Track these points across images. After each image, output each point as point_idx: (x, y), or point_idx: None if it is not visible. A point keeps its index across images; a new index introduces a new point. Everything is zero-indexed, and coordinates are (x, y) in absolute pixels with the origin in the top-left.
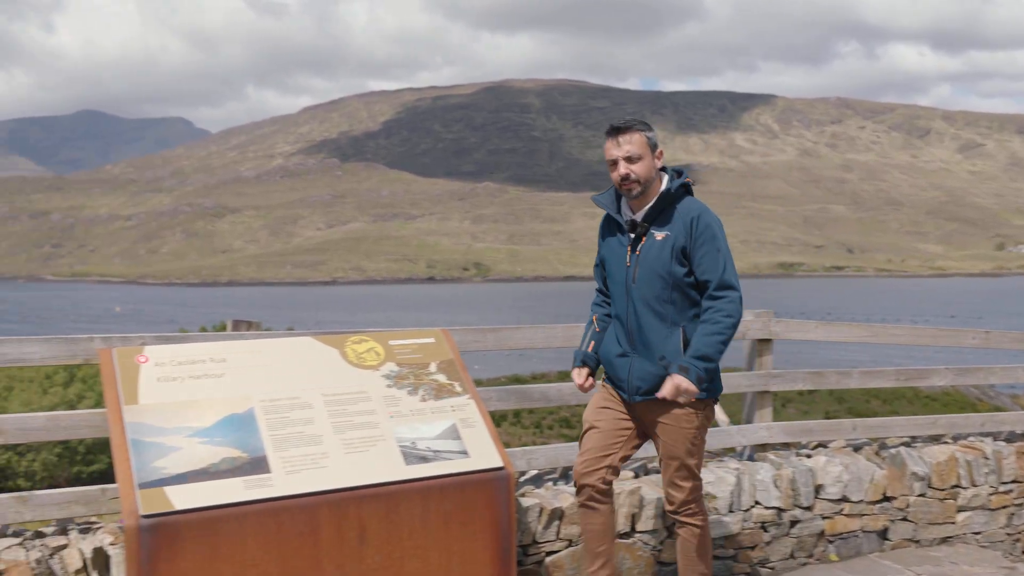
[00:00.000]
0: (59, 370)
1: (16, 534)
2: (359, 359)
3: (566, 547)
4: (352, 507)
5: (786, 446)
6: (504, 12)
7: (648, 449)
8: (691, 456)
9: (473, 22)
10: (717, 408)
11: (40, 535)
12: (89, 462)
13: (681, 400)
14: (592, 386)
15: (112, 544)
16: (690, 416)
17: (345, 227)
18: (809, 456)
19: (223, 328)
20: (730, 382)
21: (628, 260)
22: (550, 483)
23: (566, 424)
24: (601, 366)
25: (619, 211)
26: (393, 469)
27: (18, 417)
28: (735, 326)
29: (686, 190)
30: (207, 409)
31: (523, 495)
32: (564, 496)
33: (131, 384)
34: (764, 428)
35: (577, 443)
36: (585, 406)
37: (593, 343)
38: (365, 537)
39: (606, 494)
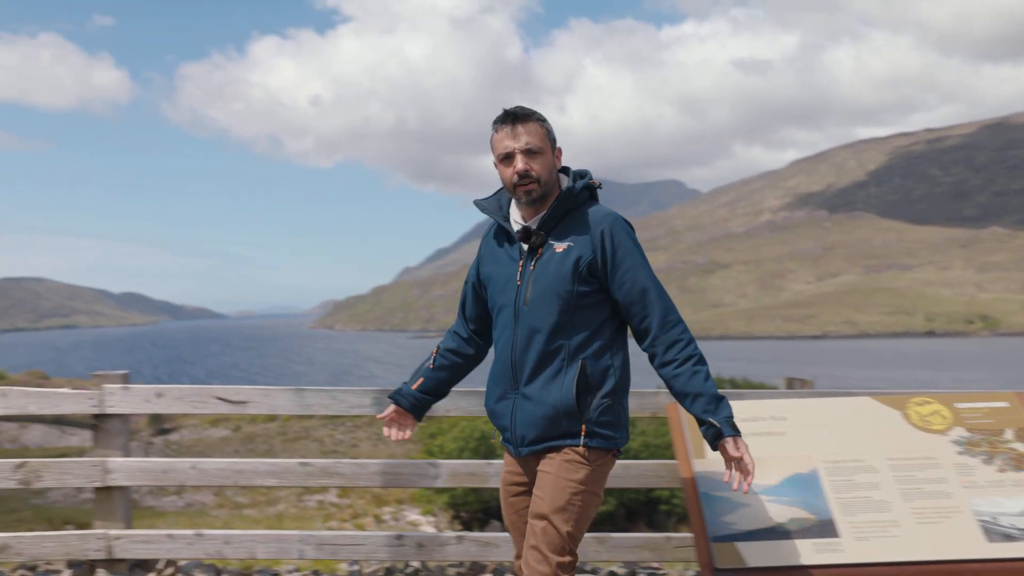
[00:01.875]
0: None
1: (593, 571)
2: (924, 422)
3: None
4: None
5: None
6: (1009, 40)
7: None
8: (564, 518)
9: (973, 55)
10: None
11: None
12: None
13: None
14: (394, 424)
15: None
16: (576, 467)
17: (835, 279)
18: None
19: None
20: None
21: (519, 277)
22: None
23: None
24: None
25: (507, 218)
26: (974, 546)
27: None
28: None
29: (591, 194)
30: (772, 467)
31: None
32: None
33: (698, 438)
34: None
35: None
36: None
37: (421, 380)
38: None
39: None
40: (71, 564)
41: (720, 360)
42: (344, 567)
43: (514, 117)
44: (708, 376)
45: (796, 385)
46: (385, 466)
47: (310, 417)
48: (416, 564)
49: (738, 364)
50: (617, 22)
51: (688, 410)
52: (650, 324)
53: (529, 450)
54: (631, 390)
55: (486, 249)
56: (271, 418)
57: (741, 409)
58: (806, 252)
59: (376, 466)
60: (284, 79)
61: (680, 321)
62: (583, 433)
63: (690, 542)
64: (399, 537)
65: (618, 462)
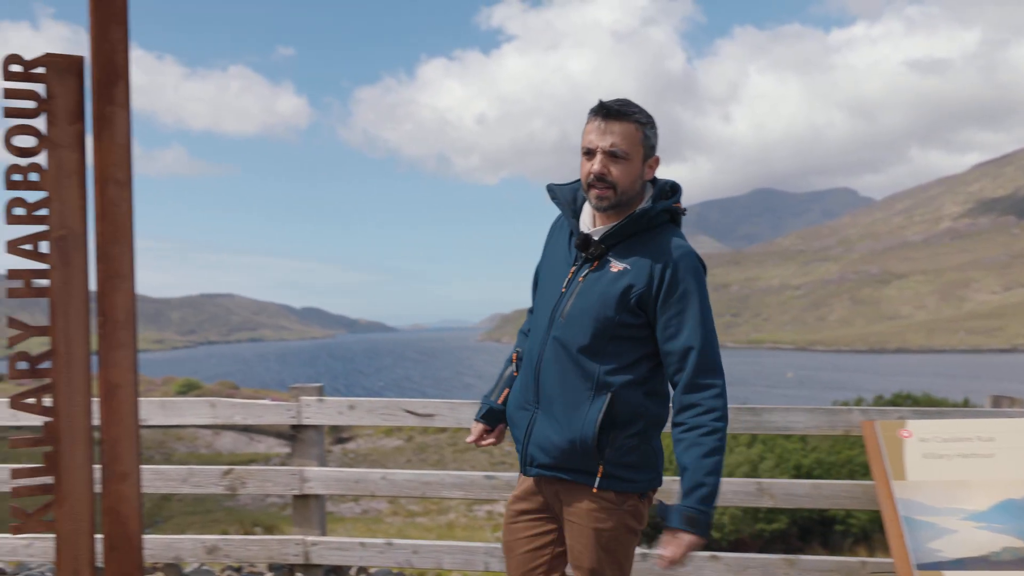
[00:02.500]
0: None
1: None
2: None
3: None
4: None
5: None
6: None
7: None
8: (608, 571)
9: None
10: None
11: None
12: (770, 520)
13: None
14: (495, 441)
15: None
16: (604, 514)
17: None
18: None
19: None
20: None
21: (565, 284)
22: None
23: None
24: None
25: (577, 215)
26: None
27: (786, 483)
28: (725, 436)
29: (671, 217)
30: (980, 492)
31: None
32: None
33: (897, 459)
34: None
35: None
36: None
37: (507, 392)
38: None
39: None
40: (272, 567)
41: (898, 375)
42: None
43: (607, 112)
44: (709, 454)
45: (1003, 403)
46: None
47: None
48: None
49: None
50: (783, 28)
51: (680, 462)
52: (679, 380)
53: (537, 472)
54: (827, 406)
55: (550, 243)
56: (441, 429)
57: (944, 429)
58: (991, 261)
59: None
60: (451, 99)
61: (712, 386)
62: (599, 474)
63: (889, 568)
64: None
65: (807, 481)
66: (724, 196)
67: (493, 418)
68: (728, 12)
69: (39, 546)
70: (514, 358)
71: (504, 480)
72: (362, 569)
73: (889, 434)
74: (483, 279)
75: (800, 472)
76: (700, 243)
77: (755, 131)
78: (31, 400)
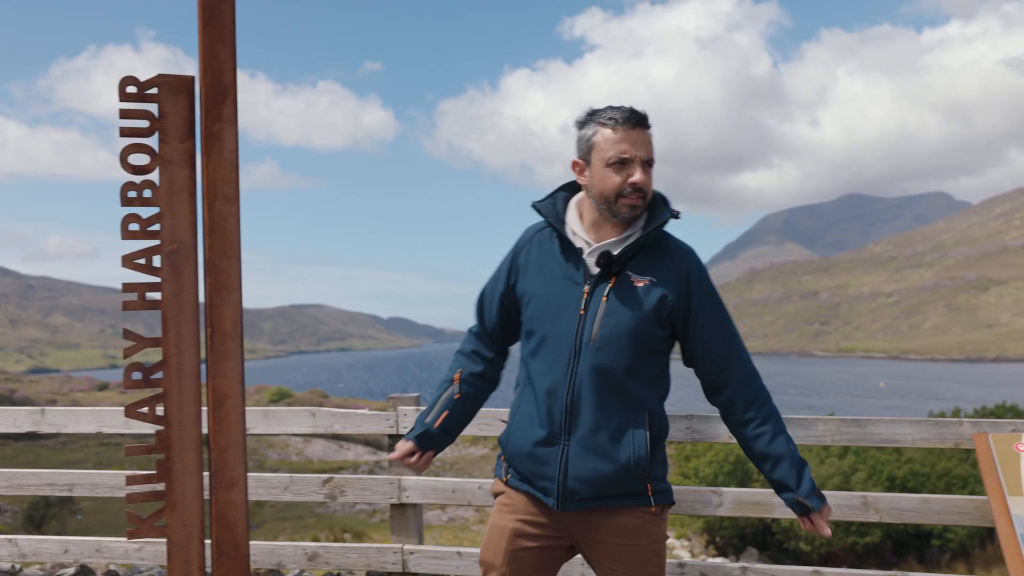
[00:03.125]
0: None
1: None
2: None
3: None
4: None
5: None
6: None
7: None
8: None
9: None
10: None
11: None
12: (863, 533)
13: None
14: (418, 465)
15: None
16: (649, 527)
17: None
18: None
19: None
20: None
21: (583, 306)
22: None
23: None
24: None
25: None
26: None
27: (893, 497)
28: None
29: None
30: None
31: None
32: None
33: (1013, 473)
34: None
35: None
36: None
37: (446, 414)
38: None
39: None
40: (370, 575)
41: (998, 385)
42: None
43: (639, 119)
44: (790, 438)
45: None
46: None
47: None
48: None
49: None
50: (872, 29)
51: (767, 475)
52: (728, 379)
53: (579, 507)
54: (935, 418)
55: (530, 261)
56: None
57: None
58: None
59: None
60: (534, 109)
61: (758, 375)
62: (649, 492)
63: None
64: (681, 565)
65: (915, 496)
66: (812, 202)
67: (425, 442)
68: (815, 15)
69: (149, 550)
70: (456, 379)
71: None
72: None
73: (1004, 448)
74: None
75: (894, 484)
76: (787, 250)
77: (844, 135)
78: (144, 409)
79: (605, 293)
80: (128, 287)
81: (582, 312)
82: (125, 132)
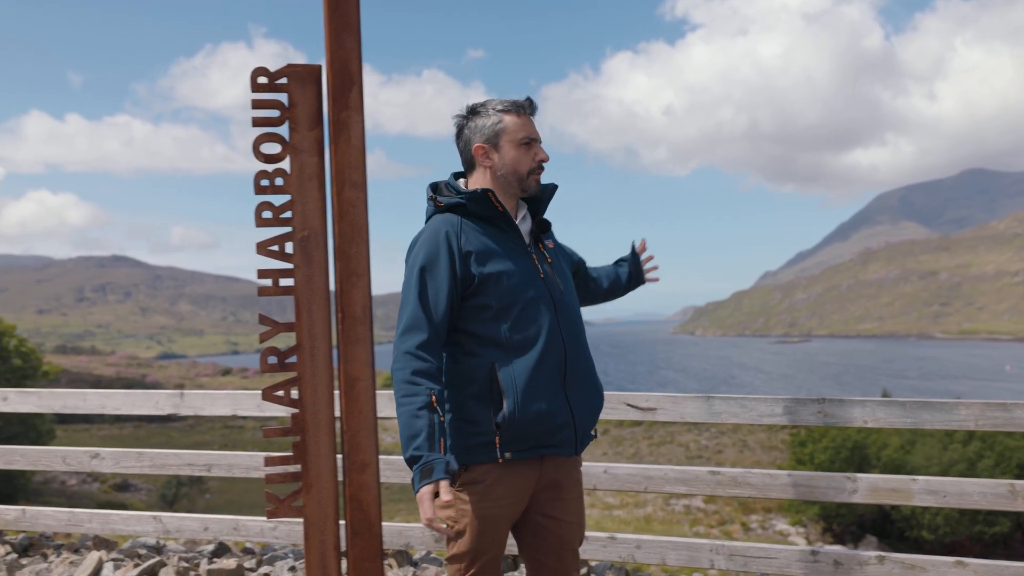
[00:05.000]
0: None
1: None
2: None
3: None
4: None
5: None
6: None
7: None
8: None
9: None
10: None
11: None
12: (991, 523)
13: None
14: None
15: None
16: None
17: None
18: None
19: None
20: None
21: (540, 271)
22: None
23: None
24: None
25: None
26: None
27: (956, 481)
28: None
29: None
30: None
31: None
32: None
33: None
34: None
35: None
36: None
37: (443, 440)
38: None
39: None
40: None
41: None
42: None
43: (534, 107)
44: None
45: None
46: (798, 478)
47: (671, 424)
48: None
49: None
50: None
51: (614, 275)
52: (587, 272)
53: (583, 445)
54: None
55: (471, 245)
56: (636, 421)
57: None
58: None
59: (787, 478)
60: (637, 91)
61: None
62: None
63: None
64: (814, 553)
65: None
66: (930, 179)
67: (453, 475)
68: None
69: (283, 529)
70: (433, 399)
71: (729, 476)
72: (583, 562)
73: None
74: (676, 271)
75: (970, 470)
76: (903, 229)
77: (963, 108)
78: (280, 392)
79: (546, 257)
80: (263, 273)
81: (542, 276)
82: (257, 122)
